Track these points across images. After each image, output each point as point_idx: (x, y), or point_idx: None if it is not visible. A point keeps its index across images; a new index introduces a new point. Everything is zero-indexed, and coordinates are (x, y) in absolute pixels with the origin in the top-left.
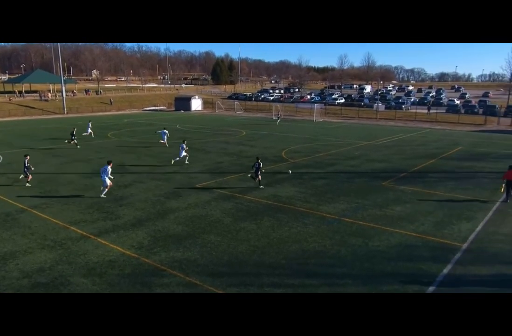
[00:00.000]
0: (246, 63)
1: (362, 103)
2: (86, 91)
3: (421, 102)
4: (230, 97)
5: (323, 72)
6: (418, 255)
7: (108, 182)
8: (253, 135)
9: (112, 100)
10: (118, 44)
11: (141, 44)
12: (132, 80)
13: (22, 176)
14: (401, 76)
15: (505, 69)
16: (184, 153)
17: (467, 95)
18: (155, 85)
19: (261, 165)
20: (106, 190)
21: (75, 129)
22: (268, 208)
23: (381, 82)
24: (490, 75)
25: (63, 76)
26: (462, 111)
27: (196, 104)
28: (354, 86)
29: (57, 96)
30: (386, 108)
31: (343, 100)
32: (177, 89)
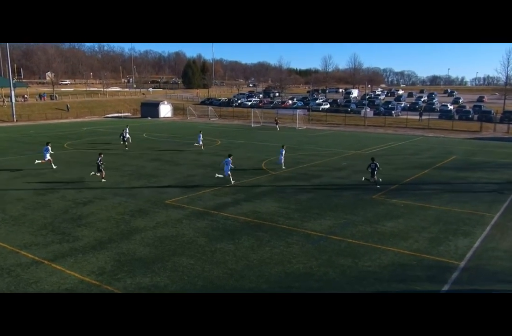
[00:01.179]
0: (221, 65)
1: (349, 109)
2: (41, 96)
3: (412, 108)
4: (203, 103)
5: (306, 75)
6: (413, 275)
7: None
8: (229, 144)
9: (69, 106)
10: (75, 43)
11: (102, 43)
12: (93, 83)
13: (92, 173)
14: (390, 79)
15: (500, 72)
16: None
17: (460, 100)
18: (118, 89)
19: (377, 166)
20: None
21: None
22: (247, 225)
23: (369, 86)
24: (484, 79)
25: (12, 79)
26: (456, 117)
27: (165, 110)
28: (340, 90)
29: (5, 102)
30: (374, 114)
31: (328, 106)
32: (143, 94)
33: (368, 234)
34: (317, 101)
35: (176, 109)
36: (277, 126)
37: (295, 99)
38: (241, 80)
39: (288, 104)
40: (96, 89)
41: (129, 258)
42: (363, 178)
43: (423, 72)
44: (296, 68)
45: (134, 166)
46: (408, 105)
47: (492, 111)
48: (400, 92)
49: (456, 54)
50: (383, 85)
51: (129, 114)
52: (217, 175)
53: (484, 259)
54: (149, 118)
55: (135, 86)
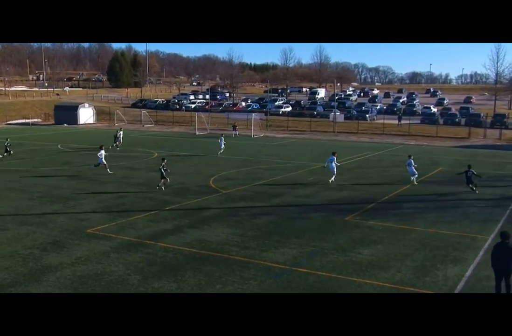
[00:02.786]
0: (157, 59)
1: (315, 113)
2: None
3: (390, 111)
4: (135, 105)
5: (262, 71)
6: None
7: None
8: (169, 157)
9: None
10: None
11: None
12: None
13: (162, 181)
14: (363, 76)
15: (489, 68)
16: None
17: (445, 101)
18: (25, 88)
19: (475, 172)
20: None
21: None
22: (192, 258)
23: (338, 84)
24: (471, 76)
25: None
26: (441, 121)
27: (86, 115)
28: (304, 89)
29: None
30: (346, 118)
31: (289, 109)
32: (57, 94)
33: (342, 265)
34: (277, 103)
35: (100, 114)
36: (236, 133)
37: (249, 101)
38: (183, 77)
39: (241, 106)
40: None
41: None
42: (470, 186)
43: (402, 68)
44: (250, 63)
45: (45, 187)
46: (385, 107)
47: (482, 115)
48: (375, 92)
49: (439, 48)
50: (354, 84)
51: (39, 120)
52: (331, 180)
53: (478, 290)
54: (65, 125)
55: (46, 84)
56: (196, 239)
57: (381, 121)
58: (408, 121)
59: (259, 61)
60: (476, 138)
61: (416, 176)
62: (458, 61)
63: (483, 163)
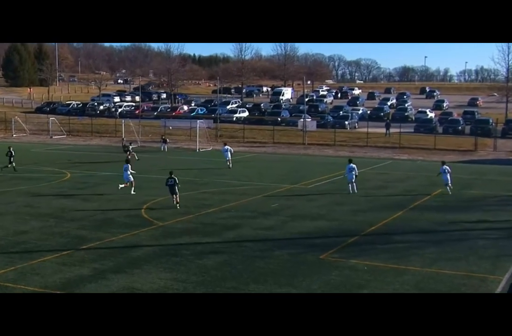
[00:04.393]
0: (70, 49)
1: (279, 119)
2: None
3: (375, 116)
4: (40, 110)
5: (209, 65)
6: None
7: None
8: (86, 179)
9: None
10: None
11: None
12: None
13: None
14: (340, 72)
15: (498, 62)
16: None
17: (445, 104)
18: None
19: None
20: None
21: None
22: None
23: (309, 82)
24: (477, 72)
25: None
26: (440, 129)
27: None
28: (264, 89)
29: None
30: (318, 126)
31: (246, 114)
32: None
33: None
34: (229, 107)
35: None
36: (165, 146)
37: (193, 104)
38: (105, 73)
39: (182, 111)
40: None
41: None
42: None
43: (389, 62)
44: (194, 55)
45: None
46: (369, 112)
47: (491, 121)
48: (356, 91)
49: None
50: (330, 82)
51: None
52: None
53: None
54: None
55: None
56: (124, 287)
57: (364, 129)
58: (398, 130)
59: (205, 53)
60: (484, 151)
61: (450, 185)
62: (460, 53)
63: (494, 182)
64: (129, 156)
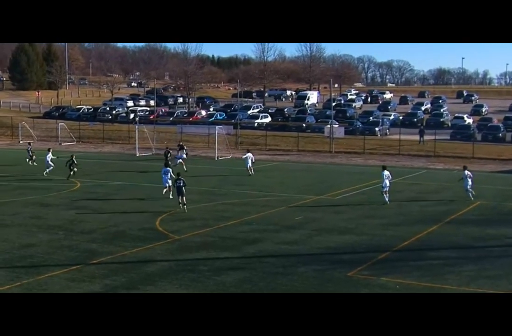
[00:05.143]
0: (81, 50)
1: (304, 125)
2: None
3: (408, 122)
4: (49, 115)
5: (229, 67)
6: None
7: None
8: (97, 188)
9: None
10: None
11: None
12: None
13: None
14: (370, 75)
15: None
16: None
17: (484, 109)
18: None
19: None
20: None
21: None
22: None
23: (336, 85)
24: None
25: None
26: (479, 137)
27: None
28: (288, 92)
29: None
30: (347, 133)
31: (268, 120)
32: None
33: None
34: (250, 112)
35: None
36: (182, 153)
37: (212, 108)
38: (117, 75)
39: (200, 116)
40: None
41: None
42: None
43: (423, 63)
44: (213, 56)
45: None
46: (401, 118)
47: None
48: (387, 95)
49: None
50: (359, 85)
51: None
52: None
53: None
54: None
55: None
56: None
57: (396, 137)
58: (433, 137)
59: (224, 54)
60: None
61: (471, 190)
62: (500, 54)
63: None
64: (170, 162)
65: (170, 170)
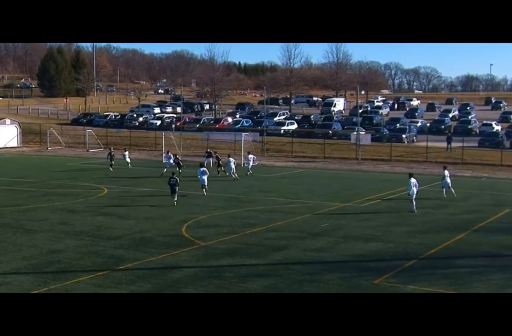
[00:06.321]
0: (109, 57)
1: (330, 132)
2: None
3: (436, 129)
4: (77, 122)
5: (256, 74)
6: None
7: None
8: (124, 194)
9: None
10: None
11: None
12: None
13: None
14: (397, 81)
15: None
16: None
17: None
18: None
19: None
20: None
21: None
22: None
23: (363, 92)
24: None
25: None
26: (507, 144)
27: (7, 135)
28: (315, 99)
29: None
30: (373, 140)
31: (295, 126)
32: None
33: None
34: (277, 119)
35: (27, 134)
36: (209, 160)
37: (238, 115)
38: (144, 82)
39: (226, 123)
40: None
41: None
42: None
43: (450, 70)
44: (239, 63)
45: None
46: (429, 124)
47: None
48: (415, 102)
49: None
50: (385, 92)
51: None
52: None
53: None
54: None
55: None
56: None
57: (424, 144)
58: (461, 144)
59: (251, 61)
60: None
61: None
62: None
63: None
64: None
65: (206, 169)
